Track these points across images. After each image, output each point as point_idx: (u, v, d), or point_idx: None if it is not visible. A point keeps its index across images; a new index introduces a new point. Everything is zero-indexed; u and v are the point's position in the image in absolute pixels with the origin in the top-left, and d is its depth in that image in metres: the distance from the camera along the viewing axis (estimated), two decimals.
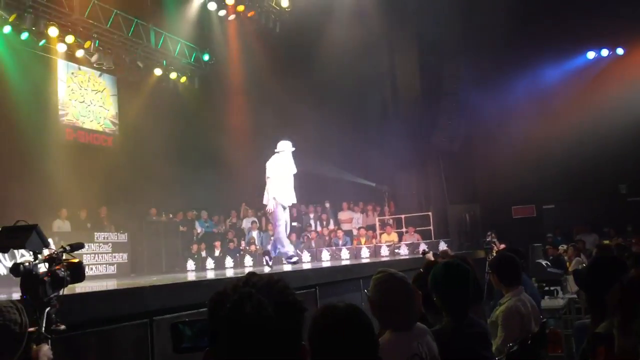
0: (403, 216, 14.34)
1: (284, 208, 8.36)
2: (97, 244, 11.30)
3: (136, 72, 13.89)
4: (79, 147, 13.10)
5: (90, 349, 3.88)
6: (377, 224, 14.49)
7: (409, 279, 2.74)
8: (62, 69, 13.11)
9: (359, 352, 1.87)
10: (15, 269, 2.67)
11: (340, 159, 14.75)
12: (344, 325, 1.87)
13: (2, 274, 8.92)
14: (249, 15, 14.94)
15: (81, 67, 13.47)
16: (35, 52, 12.01)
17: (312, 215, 15.03)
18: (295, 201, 8.66)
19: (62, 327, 2.71)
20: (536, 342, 3.74)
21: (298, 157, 8.63)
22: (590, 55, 15.99)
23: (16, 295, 3.08)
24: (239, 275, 1.38)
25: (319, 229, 14.65)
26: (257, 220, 14.39)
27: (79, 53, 12.65)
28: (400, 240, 13.70)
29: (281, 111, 14.59)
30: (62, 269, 2.73)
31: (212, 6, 14.67)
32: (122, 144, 14.18)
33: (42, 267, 2.72)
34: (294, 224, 14.36)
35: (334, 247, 13.47)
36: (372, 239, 13.98)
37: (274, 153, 8.50)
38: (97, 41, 12.61)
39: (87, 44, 12.53)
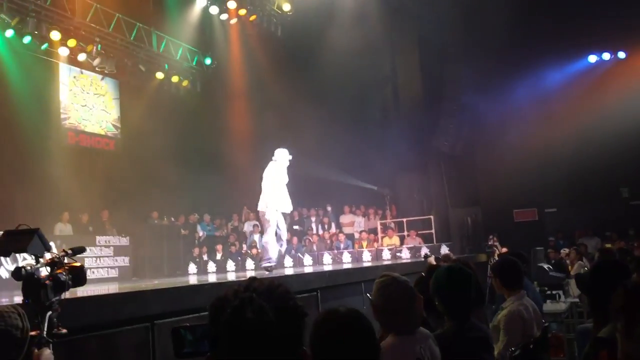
0: (405, 220, 14.32)
1: (280, 215, 8.30)
2: (99, 248, 11.31)
3: (138, 76, 13.93)
4: (81, 151, 13.11)
5: (91, 353, 3.88)
6: (379, 227, 14.49)
7: (411, 283, 2.74)
8: (65, 72, 13.14)
9: (361, 357, 1.86)
10: (16, 273, 2.67)
11: (342, 162, 14.72)
12: (346, 330, 1.86)
13: (3, 278, 8.93)
14: (250, 19, 14.99)
15: (83, 70, 13.50)
16: (38, 55, 12.06)
17: (313, 219, 15.02)
18: (291, 209, 8.61)
19: (64, 330, 2.71)
20: (538, 346, 3.73)
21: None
22: (592, 59, 16.02)
23: (18, 299, 3.08)
24: (240, 280, 1.38)
25: (320, 232, 14.62)
26: (258, 224, 14.36)
27: (81, 57, 12.67)
28: (401, 243, 13.69)
29: (283, 114, 14.61)
30: (64, 273, 2.73)
31: (214, 10, 14.74)
32: (124, 148, 14.19)
33: (44, 271, 2.72)
34: (296, 227, 14.40)
35: (336, 251, 13.44)
36: (374, 243, 13.95)
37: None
38: (99, 45, 12.66)
39: (89, 48, 12.58)
